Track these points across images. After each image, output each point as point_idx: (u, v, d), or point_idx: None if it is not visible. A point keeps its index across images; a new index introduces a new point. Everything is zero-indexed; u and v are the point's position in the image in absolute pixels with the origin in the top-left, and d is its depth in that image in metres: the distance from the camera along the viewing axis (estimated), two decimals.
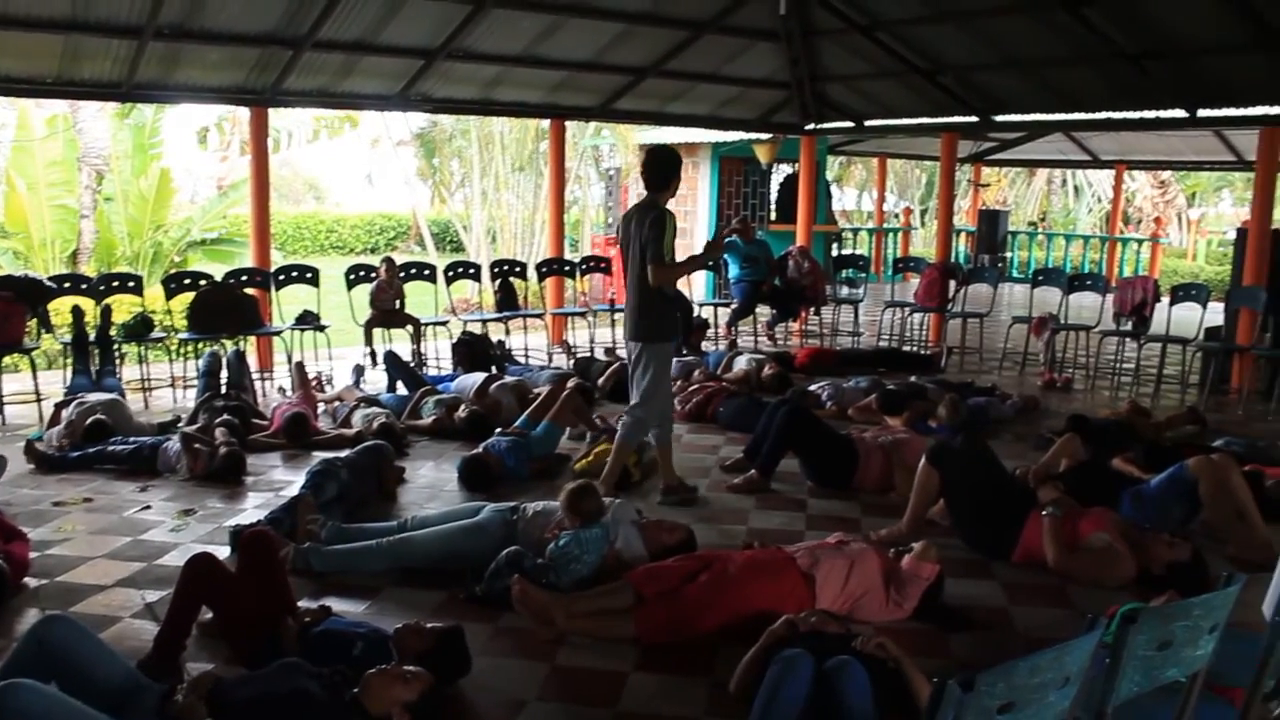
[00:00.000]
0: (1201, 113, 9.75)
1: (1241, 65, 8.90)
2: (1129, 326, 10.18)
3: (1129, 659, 2.21)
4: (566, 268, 11.57)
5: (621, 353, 10.63)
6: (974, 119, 11.57)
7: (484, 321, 10.66)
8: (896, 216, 23.97)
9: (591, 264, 12.22)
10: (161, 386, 9.07)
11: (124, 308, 10.13)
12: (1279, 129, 9.64)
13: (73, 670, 3.18)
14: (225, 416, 7.08)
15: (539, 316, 11.56)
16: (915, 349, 11.75)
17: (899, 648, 3.66)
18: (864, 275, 13.92)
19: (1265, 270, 9.61)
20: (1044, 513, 5.14)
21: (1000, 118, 11.61)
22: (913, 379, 9.27)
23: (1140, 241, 20.23)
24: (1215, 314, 10.16)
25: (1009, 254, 20.31)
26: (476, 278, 11.11)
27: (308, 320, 9.58)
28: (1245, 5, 7.90)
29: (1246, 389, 9.34)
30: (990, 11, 9.38)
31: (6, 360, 8.61)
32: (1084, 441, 6.41)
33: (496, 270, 10.99)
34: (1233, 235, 11.53)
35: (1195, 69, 9.18)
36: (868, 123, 12.89)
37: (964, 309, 11.42)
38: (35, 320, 8.35)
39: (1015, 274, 19.53)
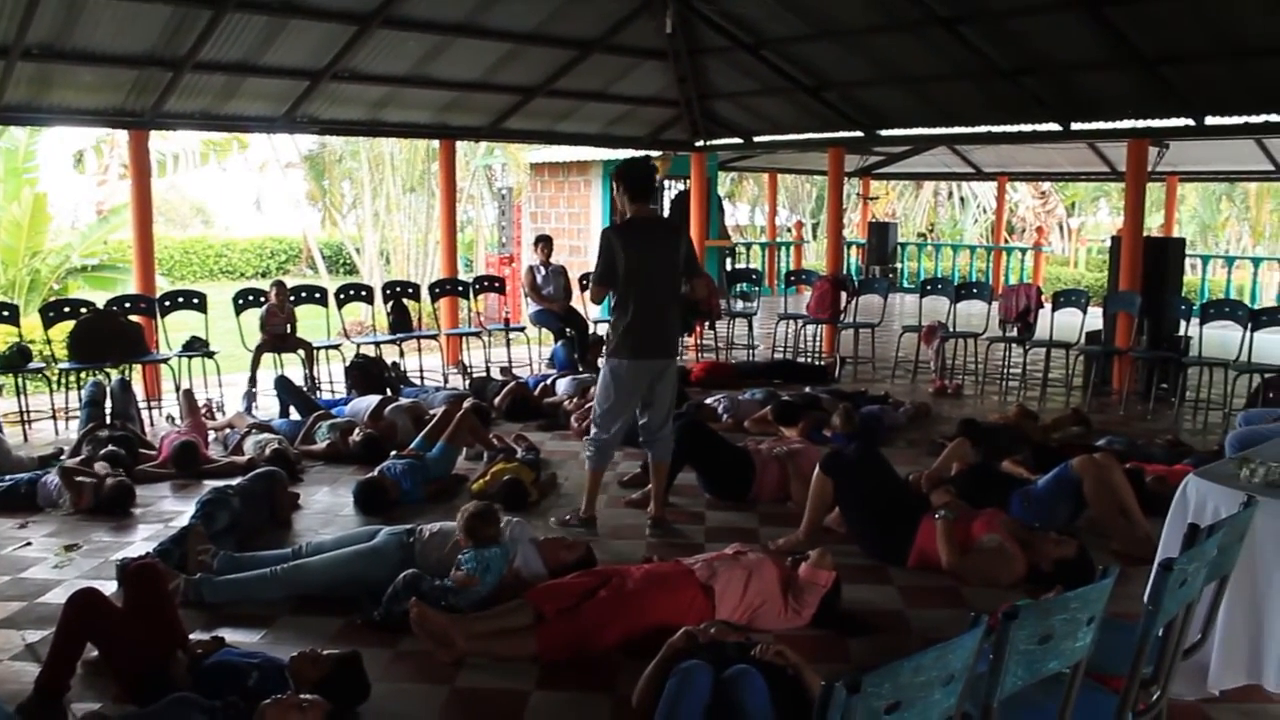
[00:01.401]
0: (1075, 126, 10.11)
1: (1109, 80, 9.28)
2: (1014, 333, 10.50)
3: (1011, 654, 2.27)
4: (460, 288, 11.50)
5: (519, 372, 10.63)
6: (859, 134, 11.83)
7: (378, 344, 10.52)
8: (788, 230, 24.32)
9: (486, 284, 12.16)
10: (42, 418, 8.76)
11: None
12: (1145, 141, 10.06)
13: None
14: (110, 448, 6.86)
15: (433, 337, 11.46)
16: (809, 360, 11.91)
17: (797, 654, 3.70)
18: (757, 289, 14.11)
19: (1139, 276, 9.98)
20: (937, 516, 5.26)
21: (885, 132, 11.88)
22: (807, 389, 9.40)
23: (1024, 250, 20.85)
24: (1095, 318, 10.52)
25: (899, 265, 20.76)
26: (369, 300, 10.97)
27: (196, 347, 9.34)
28: (1110, 25, 8.24)
29: (1126, 390, 9.69)
30: (871, 29, 9.62)
31: None
32: (974, 445, 6.58)
33: (389, 292, 10.87)
34: (1109, 243, 11.94)
35: (1067, 84, 9.53)
36: (756, 139, 13.08)
37: (856, 320, 11.63)
38: None
39: (905, 284, 19.96)
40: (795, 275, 14.25)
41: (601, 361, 6.01)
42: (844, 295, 11.92)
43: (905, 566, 5.34)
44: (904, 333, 11.39)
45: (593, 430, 6.02)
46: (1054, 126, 10.24)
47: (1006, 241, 23.51)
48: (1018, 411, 8.29)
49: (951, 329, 10.75)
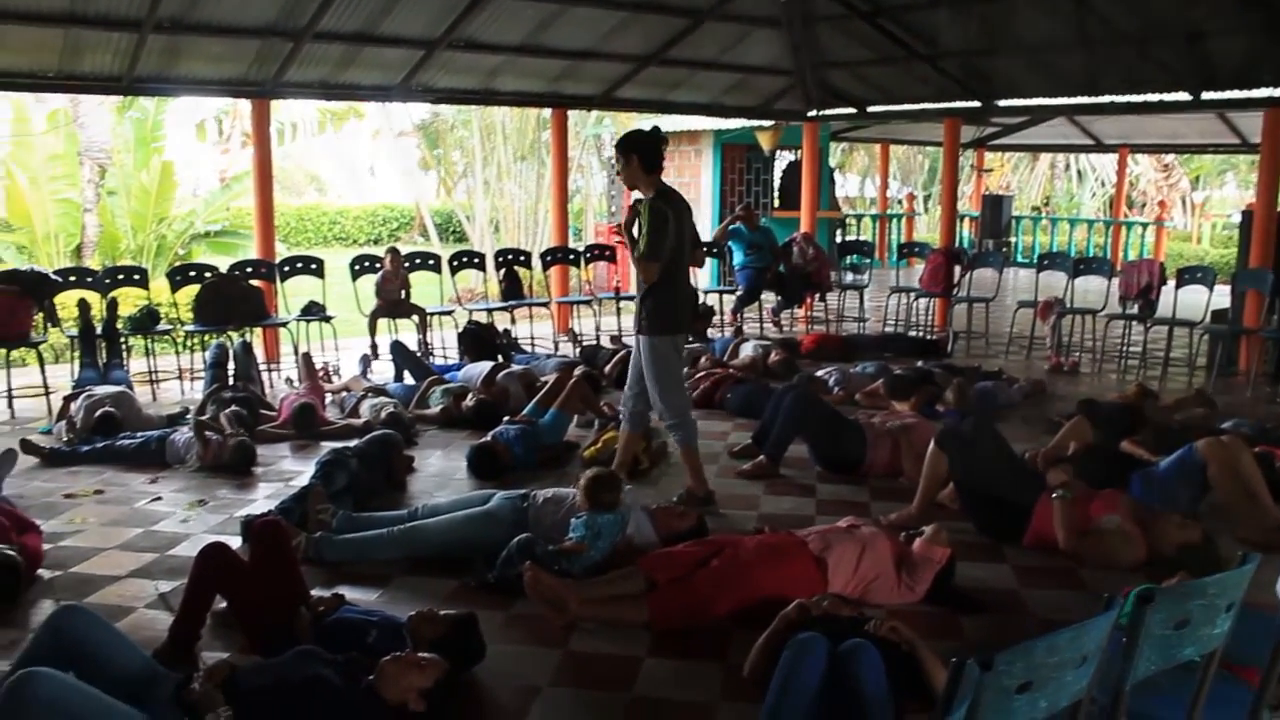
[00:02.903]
0: (1206, 95, 9.73)
1: (1243, 46, 8.89)
2: (1135, 310, 10.17)
3: (1146, 638, 2.22)
4: (571, 256, 11.57)
5: (629, 340, 10.66)
6: (977, 104, 11.56)
7: (489, 311, 10.65)
8: (899, 202, 23.93)
9: (596, 252, 12.21)
10: (169, 378, 9.08)
11: (129, 301, 10.14)
12: None
13: (90, 659, 3.20)
14: (234, 407, 7.09)
15: (544, 305, 11.56)
16: (921, 334, 11.74)
17: (912, 630, 3.67)
18: (868, 261, 13.91)
19: (1271, 252, 9.59)
20: (1054, 496, 5.14)
21: (1003, 102, 11.59)
22: (919, 364, 9.27)
23: (1145, 225, 20.20)
24: (1221, 297, 10.15)
25: (1013, 239, 20.29)
26: (481, 267, 11.10)
27: (313, 311, 9.58)
28: None
29: (1254, 371, 9.33)
30: None
31: (14, 354, 8.60)
32: (1092, 424, 6.41)
33: (501, 260, 10.98)
34: (1238, 218, 11.50)
35: (1199, 52, 9.16)
36: (870, 109, 12.87)
37: (969, 294, 11.41)
38: (42, 314, 8.35)
39: (1020, 259, 19.50)
40: (907, 248, 14.01)
41: (641, 340, 5.82)
42: (957, 269, 11.70)
43: (1020, 546, 5.24)
44: (1019, 308, 11.14)
45: (667, 415, 5.89)
46: (1183, 96, 9.87)
47: (1126, 216, 22.80)
48: (1138, 391, 8.05)
49: (1069, 305, 10.48)
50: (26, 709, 2.75)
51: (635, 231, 5.61)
